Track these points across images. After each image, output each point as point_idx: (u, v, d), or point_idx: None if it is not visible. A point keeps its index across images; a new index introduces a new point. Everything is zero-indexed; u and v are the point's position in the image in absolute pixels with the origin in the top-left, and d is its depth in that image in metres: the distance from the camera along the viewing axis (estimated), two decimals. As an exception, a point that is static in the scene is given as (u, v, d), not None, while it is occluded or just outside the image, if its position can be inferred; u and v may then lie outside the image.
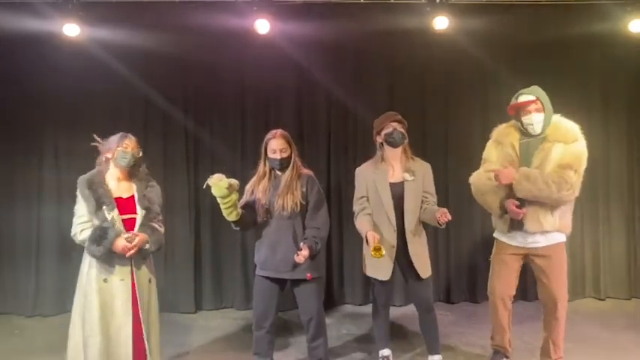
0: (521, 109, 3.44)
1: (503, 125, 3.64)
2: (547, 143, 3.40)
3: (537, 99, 3.40)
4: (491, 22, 4.89)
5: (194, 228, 5.23)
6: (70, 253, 4.91)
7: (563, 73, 5.38)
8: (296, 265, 3.35)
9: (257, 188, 3.47)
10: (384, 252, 3.33)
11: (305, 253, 3.28)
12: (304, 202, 3.42)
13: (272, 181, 3.46)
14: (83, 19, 4.54)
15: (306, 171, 3.53)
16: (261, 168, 3.52)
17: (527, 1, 4.82)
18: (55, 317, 4.97)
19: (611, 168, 5.52)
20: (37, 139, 5.11)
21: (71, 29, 4.53)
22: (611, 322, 4.75)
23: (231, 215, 3.27)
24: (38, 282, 5.07)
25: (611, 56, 5.32)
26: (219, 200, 3.19)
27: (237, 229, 3.46)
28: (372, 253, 3.33)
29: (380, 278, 3.56)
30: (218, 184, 3.10)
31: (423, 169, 3.63)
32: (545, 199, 3.33)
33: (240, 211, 3.31)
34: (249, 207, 3.44)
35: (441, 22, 4.65)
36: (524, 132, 3.48)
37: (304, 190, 3.43)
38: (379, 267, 3.53)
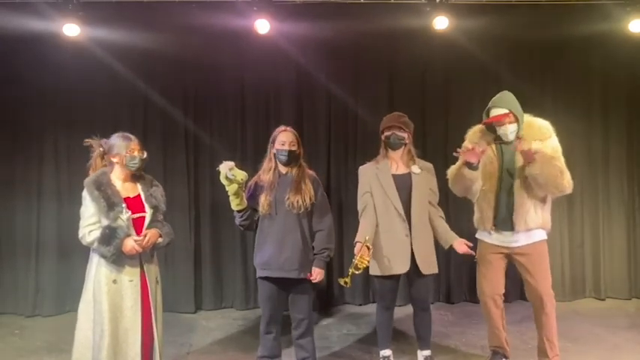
0: (495, 123, 3.49)
1: (477, 127, 3.65)
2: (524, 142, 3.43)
3: (510, 112, 3.42)
4: (491, 22, 4.90)
5: (194, 228, 5.23)
6: (69, 254, 4.93)
7: (563, 73, 5.40)
8: (302, 265, 3.35)
9: (262, 181, 3.44)
10: (358, 271, 3.32)
11: (318, 277, 3.38)
12: (314, 202, 3.42)
13: (277, 178, 3.43)
14: (83, 19, 4.55)
15: (310, 172, 3.53)
16: (266, 164, 3.50)
17: (527, 1, 4.82)
18: (55, 317, 4.98)
19: (611, 168, 5.52)
20: (37, 139, 5.11)
21: (71, 29, 4.54)
22: (611, 322, 4.74)
23: (232, 203, 3.34)
24: (38, 282, 5.07)
25: (611, 56, 5.31)
26: None
27: (239, 222, 3.44)
28: (357, 262, 3.32)
29: (398, 272, 3.51)
30: (220, 170, 3.21)
31: (427, 168, 3.68)
32: (553, 178, 3.29)
33: (243, 202, 3.35)
34: (252, 207, 3.43)
35: (441, 22, 4.66)
36: (498, 137, 3.52)
37: (313, 189, 3.43)
38: (395, 258, 3.49)
